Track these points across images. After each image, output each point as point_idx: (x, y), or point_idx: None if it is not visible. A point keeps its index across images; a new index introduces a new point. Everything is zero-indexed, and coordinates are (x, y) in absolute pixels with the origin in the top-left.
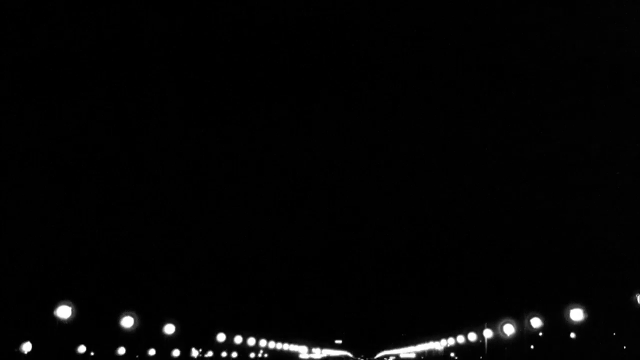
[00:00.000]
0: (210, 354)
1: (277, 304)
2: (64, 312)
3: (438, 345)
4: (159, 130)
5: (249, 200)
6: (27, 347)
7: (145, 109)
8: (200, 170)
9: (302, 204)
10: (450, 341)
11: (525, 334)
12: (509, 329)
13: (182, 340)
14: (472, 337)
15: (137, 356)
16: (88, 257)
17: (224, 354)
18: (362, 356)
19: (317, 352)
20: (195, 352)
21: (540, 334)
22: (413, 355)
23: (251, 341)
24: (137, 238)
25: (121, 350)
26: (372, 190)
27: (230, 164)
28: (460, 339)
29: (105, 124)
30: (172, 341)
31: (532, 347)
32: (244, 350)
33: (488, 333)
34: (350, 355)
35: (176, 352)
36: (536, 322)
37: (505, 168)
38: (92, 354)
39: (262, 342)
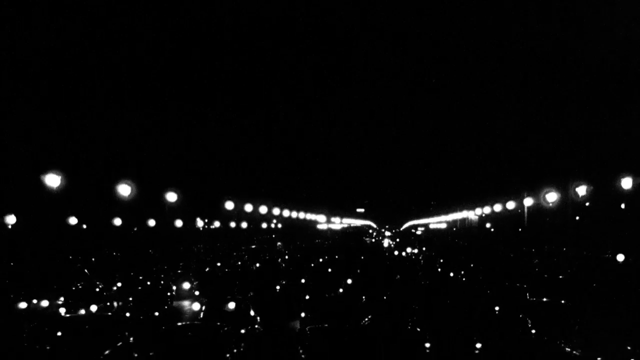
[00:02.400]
0: (217, 224)
1: (293, 166)
2: (52, 180)
3: (472, 214)
4: None
5: (268, 64)
6: (11, 219)
7: None
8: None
9: (323, 69)
10: (486, 210)
11: (569, 203)
12: (551, 198)
13: (186, 209)
14: (510, 205)
15: (135, 228)
16: (79, 120)
17: (232, 224)
18: (387, 227)
19: (337, 222)
20: (200, 223)
21: (587, 203)
22: (444, 226)
23: (263, 209)
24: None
25: (117, 222)
26: (404, 52)
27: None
28: (497, 207)
29: None
30: (174, 210)
31: (577, 218)
32: (254, 219)
33: (528, 202)
34: (373, 225)
35: (179, 223)
36: (582, 190)
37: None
38: (84, 226)
39: (276, 210)
